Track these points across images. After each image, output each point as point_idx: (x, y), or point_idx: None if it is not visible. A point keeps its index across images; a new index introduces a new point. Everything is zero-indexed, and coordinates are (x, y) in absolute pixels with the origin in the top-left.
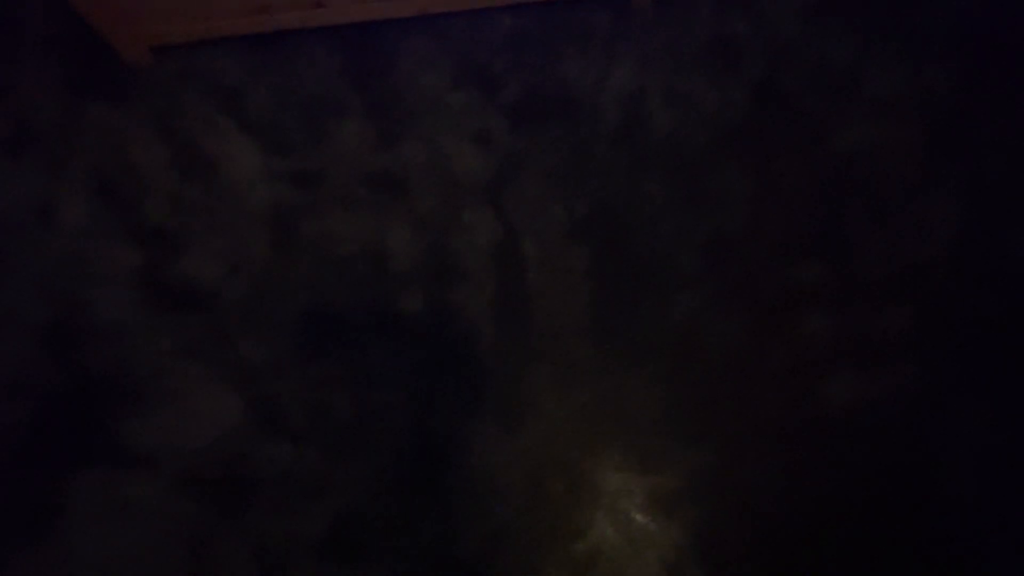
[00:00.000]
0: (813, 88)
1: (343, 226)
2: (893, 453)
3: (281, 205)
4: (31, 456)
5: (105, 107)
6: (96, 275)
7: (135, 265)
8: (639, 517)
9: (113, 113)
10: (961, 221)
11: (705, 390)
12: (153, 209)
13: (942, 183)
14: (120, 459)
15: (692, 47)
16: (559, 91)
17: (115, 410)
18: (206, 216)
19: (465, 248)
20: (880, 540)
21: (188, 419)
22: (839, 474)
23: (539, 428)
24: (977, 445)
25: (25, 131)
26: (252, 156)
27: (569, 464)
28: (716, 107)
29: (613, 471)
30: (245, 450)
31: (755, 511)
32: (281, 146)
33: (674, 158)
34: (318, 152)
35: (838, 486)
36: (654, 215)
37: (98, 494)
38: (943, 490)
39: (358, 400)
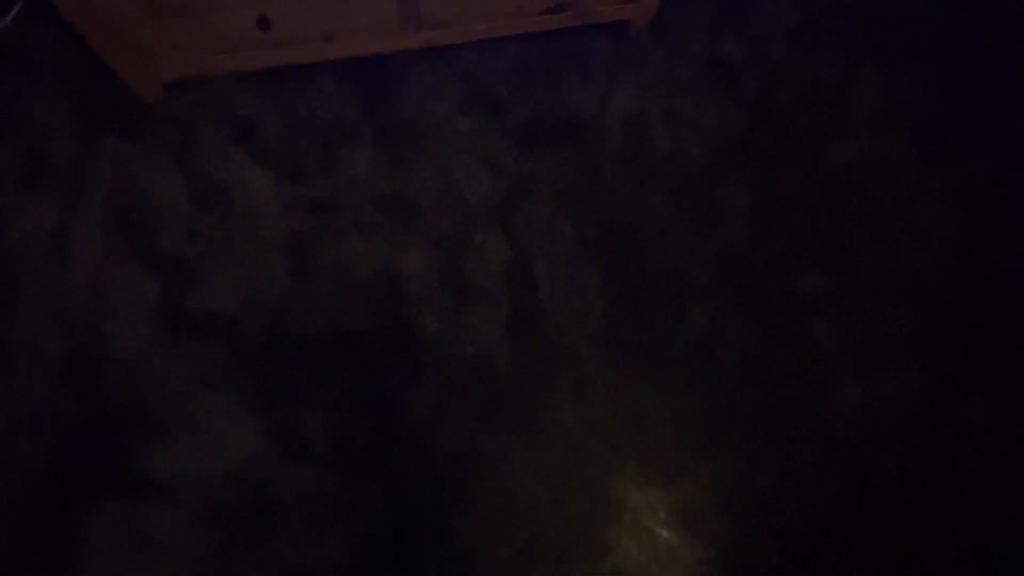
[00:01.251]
0: (806, 105)
1: (357, 251)
2: (903, 456)
3: (296, 232)
4: (50, 489)
5: (119, 140)
6: (113, 306)
7: (152, 295)
8: (663, 532)
9: (128, 146)
10: (957, 226)
11: (720, 401)
12: (169, 239)
13: (936, 190)
14: (140, 490)
15: (689, 69)
16: (564, 115)
17: (134, 441)
18: (222, 245)
19: (478, 269)
20: (900, 544)
21: (208, 448)
22: (851, 479)
23: (559, 444)
24: (985, 444)
25: (40, 164)
26: (266, 185)
27: (590, 480)
28: (715, 125)
29: (634, 486)
30: (266, 477)
31: (776, 521)
32: (294, 174)
33: (678, 176)
34: (331, 179)
35: (851, 491)
36: (662, 231)
37: (118, 526)
38: (955, 490)
39: (377, 423)
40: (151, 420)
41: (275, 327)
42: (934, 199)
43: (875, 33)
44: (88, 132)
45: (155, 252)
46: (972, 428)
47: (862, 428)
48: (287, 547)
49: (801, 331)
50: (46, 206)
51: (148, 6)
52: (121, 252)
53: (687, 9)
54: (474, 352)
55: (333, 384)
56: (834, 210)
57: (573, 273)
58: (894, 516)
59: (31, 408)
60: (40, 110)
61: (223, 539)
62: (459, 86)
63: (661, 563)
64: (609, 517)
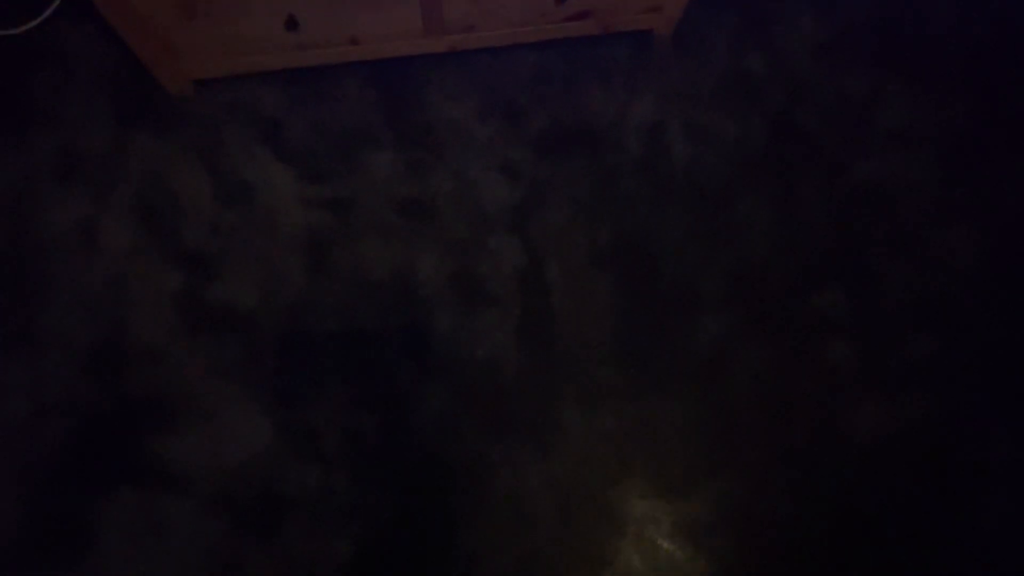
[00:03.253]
0: (830, 121)
1: (374, 252)
2: (918, 483)
3: (315, 231)
4: (68, 475)
5: (149, 136)
6: (136, 298)
7: (174, 288)
8: (666, 545)
9: (157, 142)
10: (981, 249)
11: (730, 417)
12: (192, 234)
13: (961, 211)
14: (154, 478)
15: (710, 82)
16: (582, 124)
17: (150, 430)
18: (243, 241)
19: (491, 274)
20: (912, 567)
21: (221, 440)
22: (866, 501)
23: (566, 453)
24: (1004, 474)
25: (73, 158)
26: (288, 184)
27: (596, 490)
28: (735, 139)
29: (639, 497)
30: (276, 472)
31: (783, 541)
32: (316, 175)
33: (695, 188)
34: (351, 181)
35: (862, 516)
36: (676, 243)
37: (132, 513)
38: (973, 519)
39: (386, 423)
40: (167, 410)
41: (290, 323)
42: (959, 221)
43: (902, 50)
44: (120, 128)
45: (178, 246)
46: (991, 457)
47: (877, 453)
48: (294, 541)
49: (817, 351)
50: (77, 199)
51: (183, 9)
52: (146, 245)
53: (710, 21)
54: (484, 356)
55: (345, 382)
56: (855, 228)
57: (586, 281)
58: (907, 544)
59: (55, 394)
60: (75, 106)
61: (232, 529)
62: (479, 92)
63: None
64: (613, 528)
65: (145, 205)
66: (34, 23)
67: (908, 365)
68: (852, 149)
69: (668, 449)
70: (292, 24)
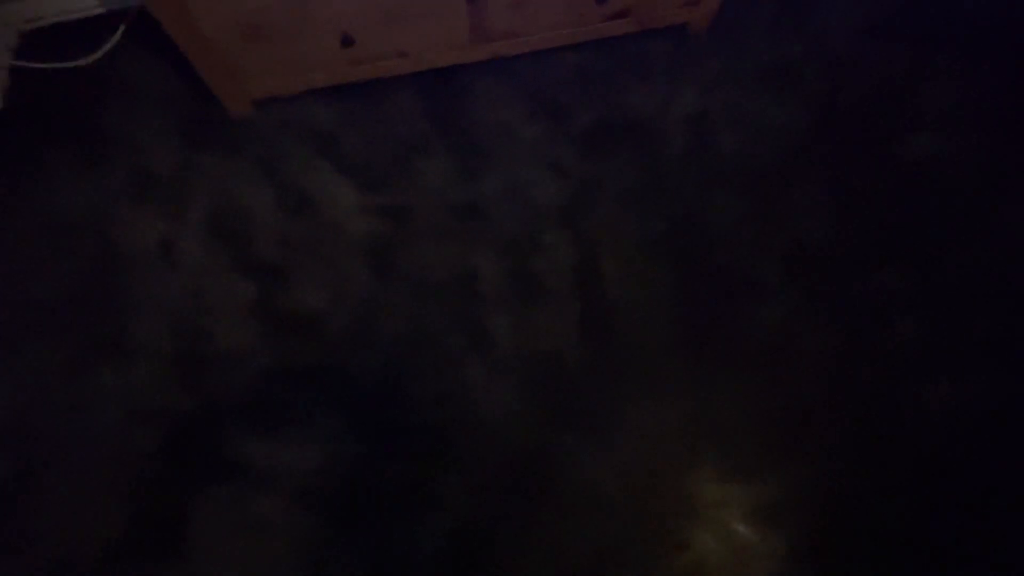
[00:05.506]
0: (876, 101)
1: (433, 255)
2: (995, 461)
3: (376, 238)
4: (163, 475)
5: (215, 156)
6: (215, 307)
7: (250, 297)
8: (741, 528)
9: (223, 161)
10: None
11: (797, 399)
12: (262, 246)
13: (1018, 184)
14: (242, 476)
15: (750, 69)
16: (625, 119)
17: (236, 432)
18: (310, 250)
19: (548, 269)
20: (988, 544)
21: (303, 439)
22: (940, 480)
23: (634, 442)
24: None
25: (146, 179)
26: (348, 194)
27: (666, 477)
28: (780, 124)
29: (711, 483)
30: (356, 467)
31: (858, 521)
32: (374, 184)
33: (744, 174)
34: (407, 188)
35: (939, 492)
36: (730, 230)
37: (224, 510)
38: None
39: (457, 419)
40: (251, 412)
41: (359, 326)
42: (1016, 193)
43: (944, 25)
44: (186, 150)
45: (250, 257)
46: None
47: (951, 430)
48: (378, 533)
49: (881, 330)
50: (153, 218)
51: (244, 32)
52: (220, 258)
53: (747, 10)
54: (546, 350)
55: (415, 381)
56: (912, 206)
57: (641, 272)
58: (984, 523)
59: (147, 401)
60: (142, 131)
61: (319, 522)
62: (523, 95)
63: (741, 559)
64: (688, 514)
65: (216, 221)
66: (99, 54)
67: (977, 341)
68: (902, 127)
69: (736, 434)
70: (348, 41)
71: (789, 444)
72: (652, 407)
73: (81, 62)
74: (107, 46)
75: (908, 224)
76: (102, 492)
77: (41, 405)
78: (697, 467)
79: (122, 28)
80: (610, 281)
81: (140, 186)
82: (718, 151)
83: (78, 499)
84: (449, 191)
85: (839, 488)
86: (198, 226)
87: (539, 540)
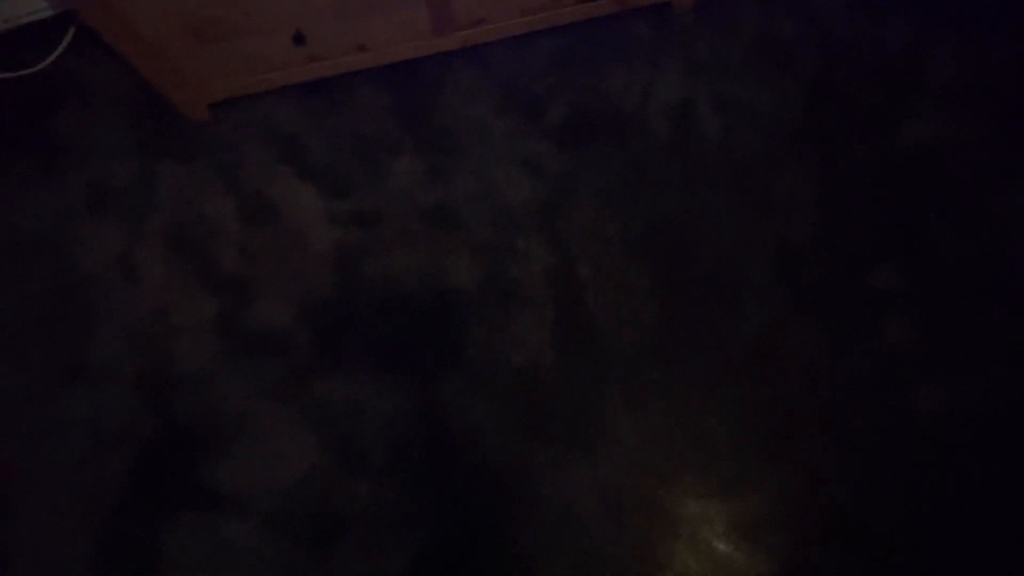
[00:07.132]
0: (872, 82)
1: (403, 262)
2: (990, 464)
3: (343, 246)
4: (131, 502)
5: (173, 163)
6: (177, 325)
7: (212, 314)
8: (721, 546)
9: (181, 169)
10: None
11: (783, 407)
12: (224, 258)
13: (1021, 171)
14: (212, 501)
15: (739, 50)
16: (605, 108)
17: (204, 455)
18: (274, 262)
19: (522, 276)
20: (980, 557)
21: (271, 460)
22: (933, 487)
23: (613, 454)
24: None
25: (102, 191)
26: (313, 200)
27: (646, 491)
28: (770, 110)
29: (691, 497)
30: (327, 489)
31: (844, 533)
32: (339, 189)
33: (731, 166)
34: (374, 192)
35: (932, 500)
36: (715, 226)
37: (194, 536)
38: None
39: (431, 435)
40: (218, 435)
41: (327, 341)
42: (1019, 181)
43: (946, 1)
44: (143, 158)
45: (212, 271)
46: None
47: (942, 435)
48: (351, 555)
49: (873, 331)
50: (111, 231)
51: (192, 34)
52: (182, 273)
53: None
54: (522, 361)
55: (385, 396)
56: (909, 197)
57: (621, 276)
58: (980, 531)
59: (113, 425)
60: (97, 140)
61: (291, 547)
62: (495, 87)
63: None
64: (666, 530)
65: (176, 233)
66: (49, 60)
67: (973, 340)
68: (900, 110)
69: (719, 445)
70: (299, 38)
71: (773, 454)
72: (632, 418)
73: (30, 70)
74: (58, 50)
75: (904, 218)
76: (71, 521)
77: (4, 433)
78: (678, 480)
79: (72, 31)
80: (588, 287)
81: (98, 199)
82: (703, 141)
83: (46, 528)
84: (418, 193)
85: (824, 500)
86: (158, 239)
87: (516, 558)
